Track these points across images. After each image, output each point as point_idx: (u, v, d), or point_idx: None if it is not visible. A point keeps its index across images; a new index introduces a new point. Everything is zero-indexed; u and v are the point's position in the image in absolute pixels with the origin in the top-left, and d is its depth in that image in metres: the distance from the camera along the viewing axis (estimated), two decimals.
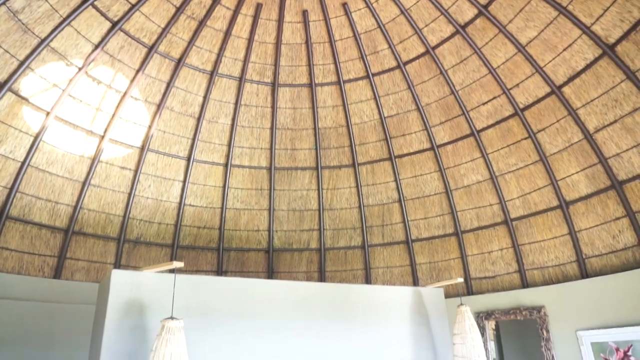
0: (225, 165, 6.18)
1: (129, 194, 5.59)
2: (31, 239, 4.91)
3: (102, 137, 5.33)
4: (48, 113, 4.83)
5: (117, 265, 5.41)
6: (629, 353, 4.26)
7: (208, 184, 6.12)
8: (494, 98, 5.49)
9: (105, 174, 5.44)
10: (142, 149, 5.65)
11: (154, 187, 5.80)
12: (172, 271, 2.77)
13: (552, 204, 5.19)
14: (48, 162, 4.97)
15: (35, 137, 4.79)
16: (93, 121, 5.24)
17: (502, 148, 5.55)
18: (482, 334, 4.93)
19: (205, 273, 5.91)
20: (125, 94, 5.38)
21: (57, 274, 5.00)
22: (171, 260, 5.56)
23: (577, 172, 4.99)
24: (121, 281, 2.79)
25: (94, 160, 5.29)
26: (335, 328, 3.65)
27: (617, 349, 4.34)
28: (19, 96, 4.58)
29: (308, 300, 3.61)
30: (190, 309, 2.91)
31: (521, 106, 5.30)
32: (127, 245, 5.60)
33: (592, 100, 4.75)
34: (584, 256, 4.93)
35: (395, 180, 6.21)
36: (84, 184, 5.24)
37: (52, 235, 5.07)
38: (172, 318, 2.47)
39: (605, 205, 4.79)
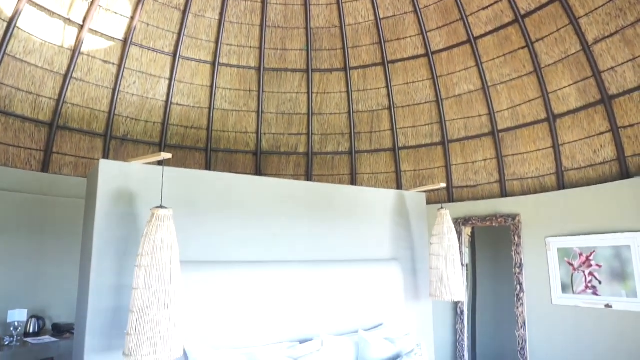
0: (213, 63, 5.97)
1: (114, 90, 5.44)
2: (15, 131, 4.84)
3: (82, 26, 5.04)
4: None
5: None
6: (591, 258, 4.59)
7: (195, 82, 5.96)
8: (495, 3, 5.23)
9: (88, 68, 5.23)
10: (125, 42, 5.39)
11: (139, 84, 5.63)
12: (160, 163, 2.79)
13: (540, 117, 5.22)
14: (26, 51, 4.73)
15: (9, 23, 4.50)
16: (70, 9, 4.91)
17: (497, 57, 5.42)
18: (459, 239, 5.21)
19: None
20: None
21: (44, 167, 5.01)
22: None
23: (569, 85, 4.95)
24: (109, 171, 2.82)
25: (75, 52, 5.05)
26: (319, 225, 3.81)
27: (581, 254, 4.66)
28: None
29: (294, 198, 3.72)
30: (179, 200, 2.99)
31: (523, 12, 5.09)
32: (114, 142, 5.57)
33: (596, 9, 4.56)
34: (563, 169, 5.08)
35: (387, 86, 6.11)
36: (65, 76, 5.06)
37: (36, 129, 4.99)
38: (161, 207, 2.54)
39: (592, 120, 4.84)
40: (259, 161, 6.27)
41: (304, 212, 3.75)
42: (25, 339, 4.11)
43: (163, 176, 2.73)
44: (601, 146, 4.77)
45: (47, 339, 4.19)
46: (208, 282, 3.00)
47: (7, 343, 3.93)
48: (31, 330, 4.28)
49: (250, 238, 3.40)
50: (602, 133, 4.75)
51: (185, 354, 2.77)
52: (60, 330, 4.38)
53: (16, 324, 4.04)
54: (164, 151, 5.78)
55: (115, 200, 2.80)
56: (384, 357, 3.06)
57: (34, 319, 4.33)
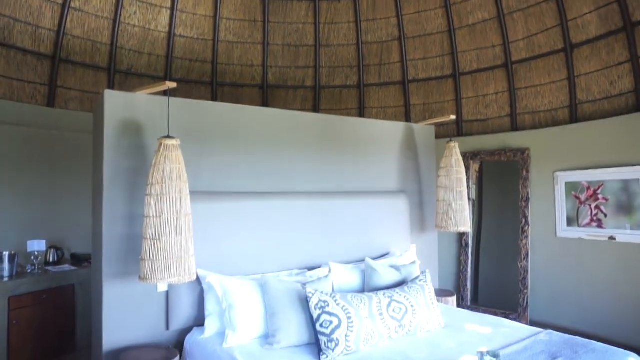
0: None
1: (114, 21, 5.25)
2: (17, 65, 4.76)
3: None
4: None
5: None
6: (599, 192, 4.59)
7: (198, 12, 5.73)
8: None
9: None
10: None
11: (140, 14, 5.43)
12: (165, 93, 2.75)
13: (557, 47, 5.00)
14: None
15: None
16: None
17: None
18: (466, 173, 5.20)
19: None
20: None
21: (50, 102, 4.97)
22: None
23: (590, 12, 4.69)
24: (115, 101, 2.79)
25: None
26: (326, 157, 3.81)
27: (589, 188, 4.66)
28: None
29: (302, 130, 3.69)
30: (186, 131, 2.98)
31: None
32: (119, 77, 5.47)
33: None
34: (577, 101, 4.94)
35: (397, 15, 5.84)
36: (63, 6, 4.87)
37: (38, 62, 4.90)
38: (169, 137, 2.54)
39: (611, 49, 4.63)
40: (265, 95, 6.17)
41: (312, 143, 3.73)
42: (46, 268, 4.30)
43: (169, 106, 2.70)
44: (619, 77, 4.61)
45: (66, 267, 4.38)
46: (218, 212, 3.06)
47: (29, 271, 4.12)
48: (51, 260, 4.46)
49: (258, 169, 3.42)
50: (620, 63, 4.57)
51: (198, 278, 2.89)
52: (79, 260, 4.57)
53: (36, 253, 4.21)
54: None
55: (123, 131, 2.80)
56: (389, 282, 3.17)
57: (52, 250, 4.50)
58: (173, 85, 2.63)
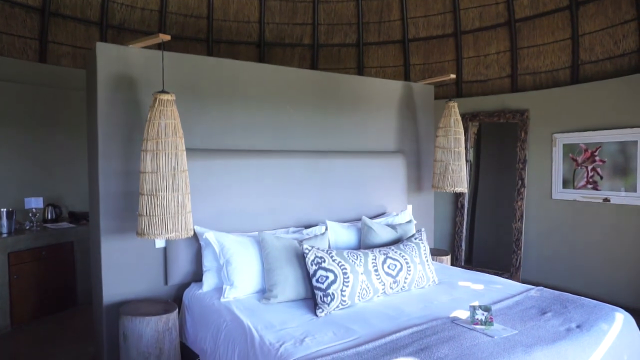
0: None
1: None
2: (5, 18, 4.60)
3: None
4: None
5: None
6: (596, 154, 4.58)
7: None
8: None
9: None
10: None
11: None
12: (159, 47, 2.68)
13: (562, 4, 4.87)
14: None
15: None
16: None
17: None
18: (465, 134, 5.17)
19: None
20: None
21: (42, 58, 4.85)
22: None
23: None
24: (107, 54, 2.72)
25: None
26: (325, 116, 3.77)
27: (586, 150, 4.65)
28: None
29: (300, 87, 3.63)
30: (181, 87, 2.92)
31: None
32: (111, 32, 5.32)
33: None
34: (579, 62, 4.86)
35: None
36: None
37: (27, 16, 4.74)
38: (163, 91, 2.49)
39: (618, 7, 4.51)
40: (262, 53, 6.03)
41: (310, 101, 3.68)
42: (45, 225, 4.33)
43: (163, 60, 2.63)
44: (623, 36, 4.51)
45: (65, 224, 4.41)
46: (214, 170, 3.05)
47: (28, 228, 4.15)
48: (49, 217, 4.49)
49: (255, 127, 3.39)
50: (626, 22, 4.46)
51: (195, 235, 2.91)
52: (77, 218, 4.59)
53: (34, 210, 4.22)
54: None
55: (116, 86, 2.74)
56: (385, 240, 3.21)
57: (50, 207, 4.52)
58: (167, 37, 2.56)
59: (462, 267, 5.45)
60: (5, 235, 3.84)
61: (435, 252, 4.11)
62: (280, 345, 2.05)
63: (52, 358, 3.31)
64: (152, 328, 2.49)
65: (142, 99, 2.81)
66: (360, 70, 6.08)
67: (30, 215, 4.20)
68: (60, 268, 4.20)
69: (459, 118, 4.04)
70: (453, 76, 4.29)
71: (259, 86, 3.40)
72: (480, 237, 6.08)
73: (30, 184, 4.49)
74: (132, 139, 2.78)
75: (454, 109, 4.02)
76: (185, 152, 2.54)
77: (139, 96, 2.82)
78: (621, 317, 2.39)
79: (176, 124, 2.50)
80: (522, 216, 5.11)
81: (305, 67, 6.14)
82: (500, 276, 4.84)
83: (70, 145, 4.72)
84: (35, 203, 4.25)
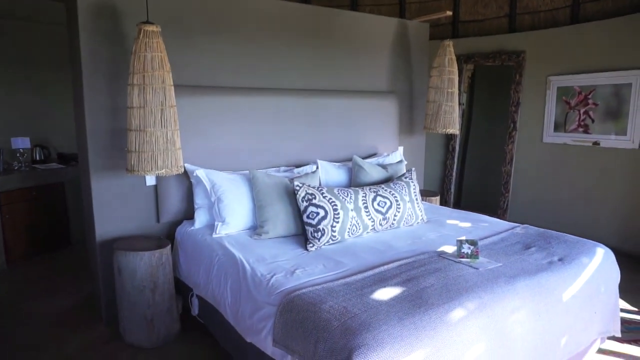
0: None
1: None
2: None
3: None
4: None
5: None
6: (589, 97, 4.55)
7: None
8: None
9: None
10: None
11: None
12: None
13: None
14: None
15: None
16: None
17: None
18: (459, 77, 5.08)
19: None
20: None
21: None
22: None
23: None
24: None
25: None
26: (317, 51, 3.66)
27: (580, 93, 4.61)
28: None
29: (291, 20, 3.49)
30: (168, 19, 2.80)
31: None
32: None
33: None
34: (580, 0, 4.71)
35: None
36: None
37: None
38: (148, 22, 2.38)
39: None
40: None
41: (302, 37, 3.56)
42: (34, 166, 4.29)
43: None
44: None
45: (54, 165, 4.37)
46: (204, 107, 2.99)
47: (16, 168, 4.11)
48: (37, 158, 4.44)
49: (245, 64, 3.29)
50: None
51: (186, 173, 2.90)
52: (66, 159, 4.55)
53: (21, 150, 4.16)
54: None
55: (97, 16, 2.62)
56: (375, 179, 3.23)
57: (38, 148, 4.46)
58: None
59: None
60: None
61: (425, 193, 4.16)
62: (272, 277, 2.10)
63: (50, 294, 3.39)
64: (146, 263, 2.54)
65: (127, 32, 2.70)
66: (355, 8, 5.85)
67: (18, 155, 4.14)
68: (52, 209, 4.21)
69: (454, 58, 3.95)
70: (449, 13, 4.15)
71: (248, 20, 3.26)
72: (470, 180, 6.15)
73: (17, 124, 4.40)
74: (118, 75, 2.70)
75: (449, 48, 3.92)
76: (173, 87, 2.48)
77: (124, 29, 2.70)
78: (602, 252, 2.48)
79: (163, 57, 2.41)
80: (512, 159, 5.15)
81: (298, 2, 5.89)
82: None
83: (57, 84, 4.58)
84: (22, 143, 4.18)
